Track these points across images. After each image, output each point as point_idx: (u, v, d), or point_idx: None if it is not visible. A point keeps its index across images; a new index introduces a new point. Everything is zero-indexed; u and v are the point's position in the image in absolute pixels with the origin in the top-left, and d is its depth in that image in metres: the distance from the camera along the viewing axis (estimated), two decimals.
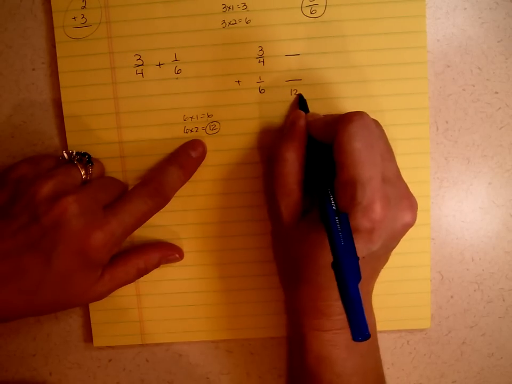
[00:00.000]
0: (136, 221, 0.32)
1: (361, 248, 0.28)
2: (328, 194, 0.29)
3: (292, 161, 0.32)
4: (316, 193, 0.31)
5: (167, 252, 0.36)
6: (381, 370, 0.35)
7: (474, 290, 0.38)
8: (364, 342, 0.29)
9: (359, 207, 0.27)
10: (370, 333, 0.25)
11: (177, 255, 0.36)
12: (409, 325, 0.38)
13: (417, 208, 0.30)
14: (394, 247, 0.32)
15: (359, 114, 0.29)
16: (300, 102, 0.35)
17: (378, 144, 0.29)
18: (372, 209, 0.27)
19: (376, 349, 0.35)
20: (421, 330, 0.39)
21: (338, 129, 0.29)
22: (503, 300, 0.38)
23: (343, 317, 0.25)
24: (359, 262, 0.26)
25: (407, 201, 0.30)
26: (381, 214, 0.27)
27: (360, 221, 0.27)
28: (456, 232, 0.38)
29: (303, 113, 0.33)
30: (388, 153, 0.30)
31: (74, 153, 0.34)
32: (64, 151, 0.34)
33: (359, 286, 0.26)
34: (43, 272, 0.29)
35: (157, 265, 0.36)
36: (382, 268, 0.33)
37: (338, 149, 0.28)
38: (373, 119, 0.30)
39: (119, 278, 0.33)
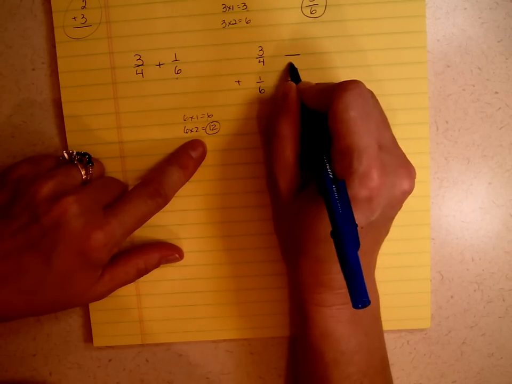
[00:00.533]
0: (136, 221, 0.32)
1: (360, 217, 0.28)
2: (324, 163, 0.29)
3: (286, 136, 0.32)
4: (312, 164, 0.31)
5: (167, 252, 0.36)
6: (384, 352, 0.35)
7: (474, 290, 0.38)
8: (368, 319, 0.29)
9: (356, 175, 0.27)
10: (374, 308, 0.25)
11: (177, 255, 0.36)
12: (409, 325, 0.38)
13: (415, 176, 0.30)
14: (394, 216, 0.32)
15: (355, 82, 0.29)
16: (291, 71, 0.35)
17: (373, 113, 0.29)
18: (369, 176, 0.27)
19: (381, 329, 0.35)
20: (421, 330, 0.39)
21: (333, 98, 0.28)
22: (503, 300, 0.39)
23: (345, 291, 0.25)
24: (359, 232, 0.26)
25: (405, 168, 0.30)
26: (378, 181, 0.27)
27: (358, 189, 0.27)
28: (456, 232, 0.38)
29: (293, 84, 0.33)
30: (383, 122, 0.30)
31: (74, 153, 0.34)
32: (64, 151, 0.34)
33: (360, 255, 0.25)
34: (43, 272, 0.29)
35: (157, 265, 0.36)
36: (383, 240, 0.33)
37: (334, 118, 0.28)
38: (368, 89, 0.30)
39: (119, 278, 0.33)
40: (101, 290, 0.33)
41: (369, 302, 0.25)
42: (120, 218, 0.31)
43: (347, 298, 0.25)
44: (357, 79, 0.34)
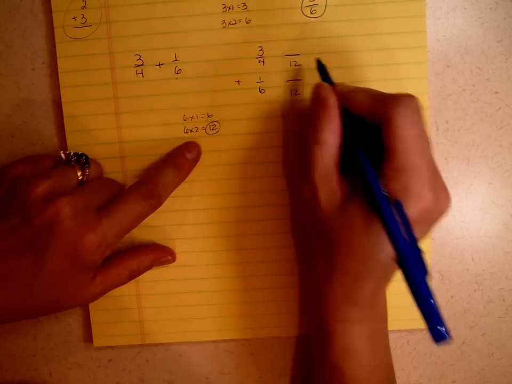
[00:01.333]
0: (129, 223, 0.32)
1: None
2: (377, 181, 0.28)
3: (330, 144, 0.30)
4: (358, 176, 0.29)
5: (160, 254, 0.36)
6: (392, 363, 0.35)
7: (474, 290, 0.38)
8: (384, 334, 0.28)
9: (413, 197, 0.27)
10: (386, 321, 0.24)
11: (169, 257, 0.37)
12: (409, 325, 0.38)
13: (451, 197, 0.30)
14: (426, 234, 0.31)
15: (413, 98, 0.28)
16: (320, 69, 0.33)
17: (424, 130, 0.29)
18: (424, 198, 0.27)
19: (388, 341, 0.34)
20: (421, 330, 0.39)
21: (391, 113, 0.28)
22: (503, 300, 0.39)
23: (370, 307, 0.25)
24: None
25: (444, 189, 0.29)
26: (432, 203, 0.27)
27: (413, 211, 0.27)
28: (456, 232, 0.38)
29: (330, 87, 0.32)
30: (428, 141, 0.30)
31: (71, 153, 0.34)
32: (61, 152, 0.34)
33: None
34: (35, 273, 0.29)
35: (149, 267, 0.36)
36: None
37: (392, 134, 0.28)
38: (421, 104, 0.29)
39: (111, 280, 0.33)
40: (93, 292, 0.32)
41: (449, 337, 0.24)
42: (113, 220, 0.31)
43: (370, 313, 0.24)
44: (357, 79, 0.34)
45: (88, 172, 0.33)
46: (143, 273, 0.35)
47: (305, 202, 0.32)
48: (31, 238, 0.29)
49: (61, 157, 0.34)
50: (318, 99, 0.32)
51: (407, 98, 0.28)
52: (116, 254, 0.34)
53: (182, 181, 0.35)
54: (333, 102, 0.31)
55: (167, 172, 0.34)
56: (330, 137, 0.30)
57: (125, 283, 0.34)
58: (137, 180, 0.34)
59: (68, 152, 0.34)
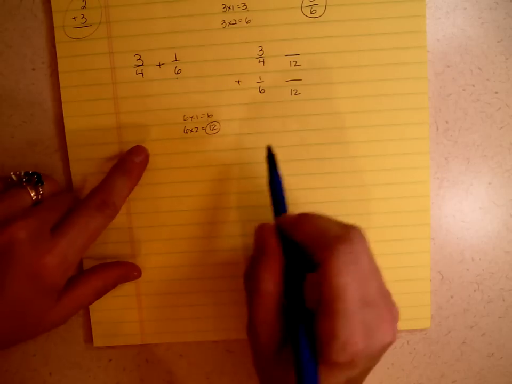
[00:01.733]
0: (87, 238, 0.31)
1: (339, 376, 0.28)
2: (303, 334, 0.28)
3: (268, 292, 0.29)
4: (292, 319, 0.29)
5: (125, 270, 0.36)
6: None
7: (474, 290, 0.39)
8: None
9: (339, 342, 0.27)
10: None
11: (135, 273, 0.36)
12: (409, 325, 0.38)
13: (397, 321, 0.29)
14: (375, 365, 0.30)
15: (348, 242, 0.28)
16: (269, 158, 0.32)
17: (365, 269, 0.28)
18: (352, 343, 0.27)
19: None
20: (421, 330, 0.39)
21: (324, 260, 0.27)
22: (503, 300, 0.39)
23: None
24: None
25: (387, 322, 0.28)
26: (361, 346, 0.27)
27: (340, 355, 0.27)
28: (456, 232, 0.38)
29: (270, 226, 0.31)
30: (372, 271, 0.29)
31: (22, 173, 0.32)
32: (12, 173, 0.32)
33: None
34: None
35: (115, 285, 0.35)
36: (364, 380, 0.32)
37: (324, 281, 0.27)
38: (361, 238, 0.29)
39: (77, 301, 0.33)
40: (60, 315, 0.32)
41: None
42: (70, 238, 0.30)
43: None
44: (357, 78, 0.34)
45: (41, 190, 0.32)
46: (109, 291, 0.35)
47: (249, 339, 0.31)
48: None
49: (11, 178, 0.32)
50: (258, 243, 0.31)
51: (340, 245, 0.27)
52: (81, 274, 0.34)
53: (134, 186, 0.35)
54: (273, 248, 0.30)
55: (117, 179, 0.33)
56: (269, 287, 0.29)
57: (92, 302, 0.34)
58: (89, 192, 0.33)
59: (18, 172, 0.32)
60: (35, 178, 0.32)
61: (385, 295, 0.29)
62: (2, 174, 0.37)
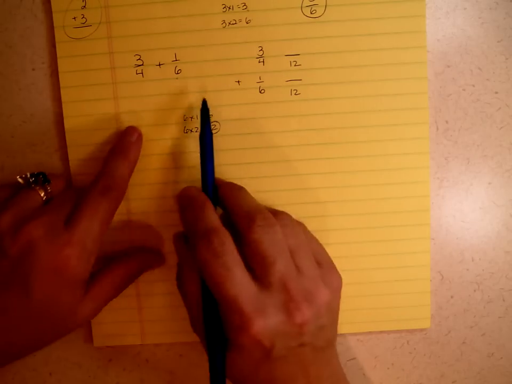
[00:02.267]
0: (100, 224, 0.31)
1: (291, 341, 0.30)
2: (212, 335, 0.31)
3: (191, 293, 0.32)
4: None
5: (148, 257, 0.36)
6: None
7: (474, 290, 0.39)
8: None
9: (233, 327, 0.29)
10: None
11: (159, 260, 0.37)
12: (409, 325, 0.38)
13: (337, 284, 0.32)
14: (334, 315, 0.33)
15: (267, 217, 0.31)
16: (203, 112, 0.34)
17: (289, 241, 0.31)
18: (248, 326, 0.29)
19: None
20: (421, 330, 0.39)
21: (246, 230, 0.30)
22: (503, 300, 0.39)
23: None
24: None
25: (319, 283, 0.31)
26: (260, 327, 0.29)
27: (240, 338, 0.29)
28: (456, 232, 0.38)
29: (179, 236, 0.34)
30: (299, 243, 0.31)
31: (28, 175, 0.33)
32: (18, 176, 0.33)
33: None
34: (24, 305, 0.29)
35: (140, 273, 0.36)
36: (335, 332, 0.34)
37: (246, 249, 0.30)
38: (286, 214, 0.32)
39: (105, 292, 0.33)
40: (89, 308, 0.32)
41: None
42: (83, 227, 0.30)
43: None
44: (357, 79, 0.34)
45: (50, 189, 0.33)
46: (135, 279, 0.35)
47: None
48: (11, 271, 0.29)
49: (18, 181, 0.33)
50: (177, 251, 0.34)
51: (262, 218, 0.30)
52: (105, 266, 0.34)
53: (133, 166, 0.35)
54: (188, 258, 0.32)
55: (115, 162, 0.34)
56: (191, 289, 0.32)
57: (120, 293, 0.35)
58: (92, 180, 0.33)
59: (24, 175, 0.33)
60: (41, 178, 0.33)
61: (319, 265, 0.32)
62: (2, 175, 0.37)
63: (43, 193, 0.32)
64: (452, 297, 0.39)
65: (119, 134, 0.36)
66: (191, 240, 0.31)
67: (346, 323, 0.38)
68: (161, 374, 0.40)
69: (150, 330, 0.38)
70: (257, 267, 0.30)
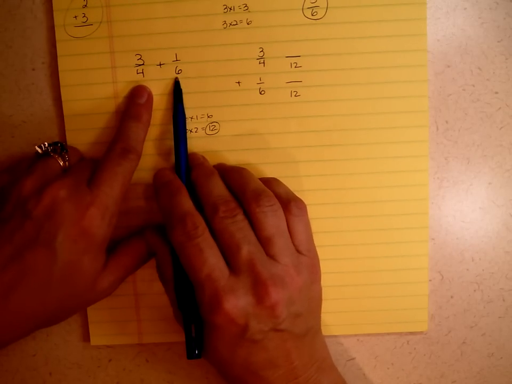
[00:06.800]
0: (120, 185, 0.33)
1: (264, 324, 0.32)
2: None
3: (167, 278, 0.36)
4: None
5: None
6: None
7: (474, 290, 0.39)
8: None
9: (206, 307, 0.32)
10: None
11: None
12: (407, 328, 0.39)
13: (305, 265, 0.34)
14: (311, 308, 0.34)
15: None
16: (175, 92, 0.36)
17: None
18: (220, 304, 0.31)
19: None
20: (421, 330, 0.40)
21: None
22: (503, 300, 0.40)
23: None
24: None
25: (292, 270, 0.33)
26: (232, 305, 0.31)
27: (213, 317, 0.32)
28: (456, 232, 0.39)
29: (153, 231, 0.37)
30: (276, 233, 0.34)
31: (46, 145, 0.35)
32: (36, 146, 0.35)
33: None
34: (50, 265, 0.30)
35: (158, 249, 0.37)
36: (320, 299, 0.36)
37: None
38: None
39: (123, 266, 0.35)
40: (108, 281, 0.34)
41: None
42: (106, 187, 0.33)
43: None
44: (357, 81, 0.35)
45: (67, 157, 0.35)
46: (152, 253, 0.37)
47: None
48: (36, 232, 0.30)
49: (37, 151, 0.35)
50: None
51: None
52: (123, 241, 0.36)
53: (147, 127, 0.36)
54: (165, 249, 0.36)
55: (129, 125, 0.35)
56: (168, 275, 0.36)
57: (137, 269, 0.37)
58: (108, 145, 0.35)
59: (41, 145, 0.35)
60: (59, 147, 0.35)
61: (299, 252, 0.34)
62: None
63: (61, 161, 0.34)
64: (451, 297, 0.40)
65: (129, 95, 0.37)
66: (167, 225, 0.33)
67: (344, 324, 0.39)
68: (161, 374, 0.40)
69: (148, 329, 0.39)
70: (226, 253, 0.32)
